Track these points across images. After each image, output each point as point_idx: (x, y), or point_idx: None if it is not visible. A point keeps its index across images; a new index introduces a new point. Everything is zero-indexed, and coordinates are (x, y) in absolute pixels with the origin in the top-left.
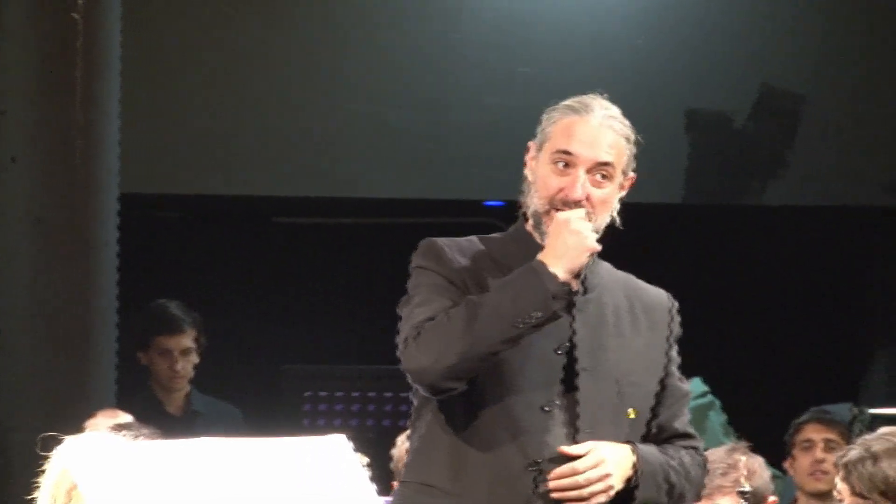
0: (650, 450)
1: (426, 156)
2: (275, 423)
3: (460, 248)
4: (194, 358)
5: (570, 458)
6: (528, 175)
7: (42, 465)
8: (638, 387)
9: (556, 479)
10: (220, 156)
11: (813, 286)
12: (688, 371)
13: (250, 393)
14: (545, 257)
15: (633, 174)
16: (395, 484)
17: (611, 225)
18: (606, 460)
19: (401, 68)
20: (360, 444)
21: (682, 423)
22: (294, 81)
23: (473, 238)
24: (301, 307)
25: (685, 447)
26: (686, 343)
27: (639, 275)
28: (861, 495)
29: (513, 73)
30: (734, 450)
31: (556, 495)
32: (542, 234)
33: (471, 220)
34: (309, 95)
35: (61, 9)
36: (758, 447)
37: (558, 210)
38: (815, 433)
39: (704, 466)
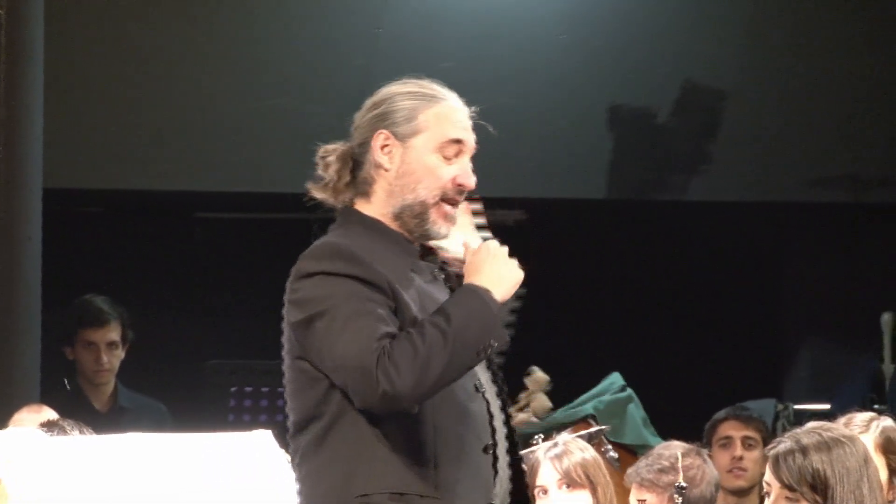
0: None
1: None
2: (200, 419)
3: (357, 247)
4: (120, 352)
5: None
6: (386, 164)
7: None
8: None
9: None
10: (142, 151)
11: (735, 281)
12: (608, 366)
13: (175, 389)
14: (488, 285)
15: None
16: None
17: (535, 219)
18: None
19: (322, 64)
20: (285, 439)
21: None
22: (216, 77)
23: (346, 237)
24: (225, 302)
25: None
26: (606, 337)
27: (563, 270)
28: (789, 487)
29: (435, 68)
30: (689, 452)
31: None
32: (420, 223)
33: None
34: (230, 91)
35: None
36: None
37: (449, 201)
38: (733, 430)
39: None
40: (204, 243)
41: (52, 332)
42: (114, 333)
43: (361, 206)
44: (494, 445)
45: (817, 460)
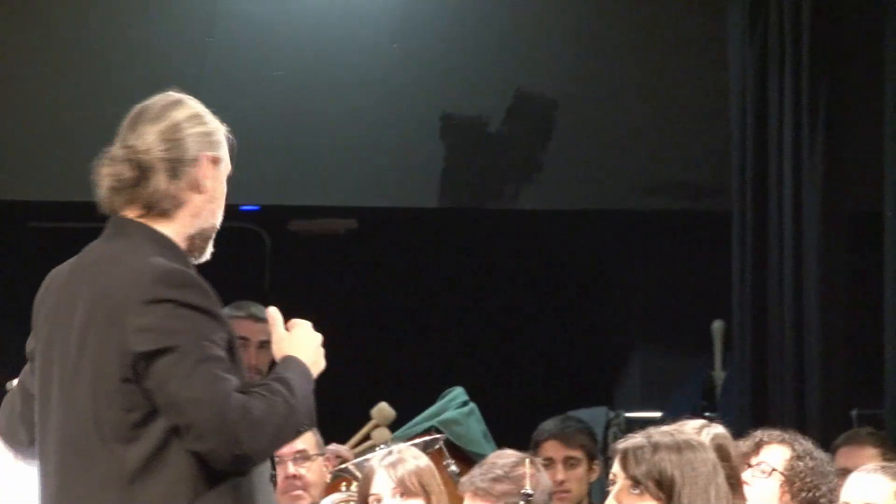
0: None
1: None
2: None
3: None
4: None
5: None
6: (207, 183)
7: None
8: None
9: None
10: None
11: (567, 290)
12: (449, 380)
13: None
14: (309, 362)
15: None
16: None
17: (364, 229)
18: None
19: (152, 72)
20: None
21: None
22: (50, 84)
23: (177, 261)
24: None
25: None
26: (445, 351)
27: (391, 280)
28: (634, 480)
29: (267, 77)
30: (523, 461)
31: None
32: (202, 247)
33: (227, 224)
34: (63, 100)
35: None
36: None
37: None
38: (553, 452)
39: None
40: (37, 254)
41: None
42: None
43: (154, 223)
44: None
45: (667, 459)
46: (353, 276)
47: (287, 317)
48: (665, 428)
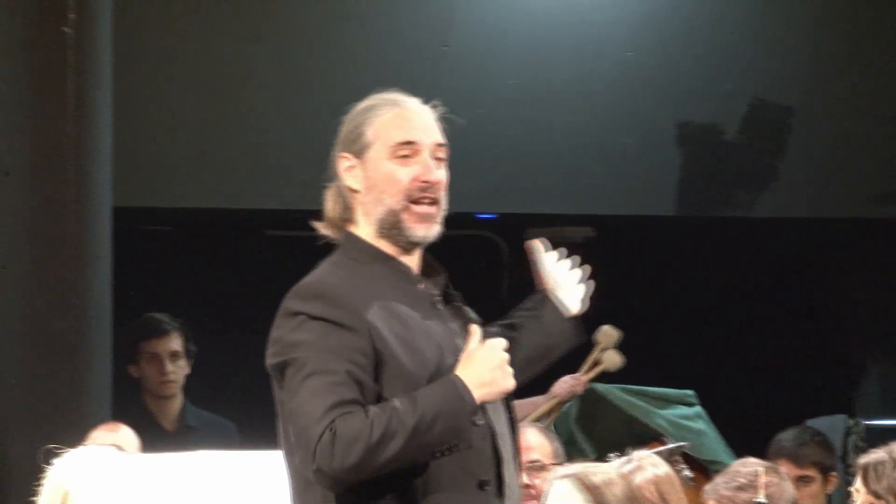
0: None
1: None
2: (266, 438)
3: (346, 286)
4: (183, 363)
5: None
6: (354, 184)
7: (39, 478)
8: None
9: None
10: (210, 169)
11: (802, 298)
12: (680, 382)
13: (242, 407)
14: (473, 383)
15: None
16: None
17: (601, 237)
18: None
19: (389, 82)
20: None
21: None
22: (284, 97)
23: (336, 271)
24: None
25: None
26: (677, 355)
27: (630, 287)
28: (876, 495)
29: (502, 85)
30: (768, 469)
31: None
32: (399, 232)
33: (464, 232)
34: (299, 111)
35: (52, 23)
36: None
37: (416, 201)
38: (786, 471)
39: None
40: (273, 261)
41: (120, 352)
42: (175, 343)
43: (354, 230)
44: (497, 480)
45: None
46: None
47: None
48: None
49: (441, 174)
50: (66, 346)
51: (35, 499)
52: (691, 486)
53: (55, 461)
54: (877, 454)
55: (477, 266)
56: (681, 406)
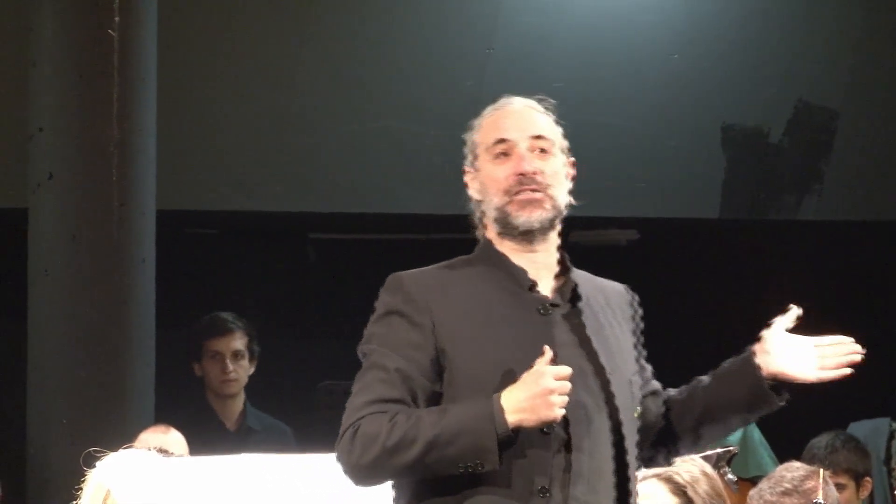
0: None
1: (455, 171)
2: (313, 441)
3: (429, 281)
4: (246, 363)
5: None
6: (475, 193)
7: (81, 480)
8: (635, 385)
9: None
10: (255, 172)
11: (847, 300)
12: None
13: (289, 410)
14: (509, 404)
15: (571, 158)
16: None
17: (645, 239)
18: None
19: (433, 85)
20: None
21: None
22: (327, 99)
23: (437, 269)
24: (338, 323)
25: None
26: (721, 358)
27: (676, 289)
28: None
29: (547, 88)
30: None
31: None
32: (510, 225)
33: None
34: (342, 113)
35: (97, 26)
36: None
37: (517, 195)
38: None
39: None
40: (317, 264)
41: (166, 353)
42: (238, 342)
43: (487, 235)
44: (563, 492)
45: None
46: (633, 287)
47: None
48: None
49: (538, 164)
50: (109, 349)
51: (76, 501)
52: (736, 490)
53: (97, 463)
54: None
55: None
56: None
